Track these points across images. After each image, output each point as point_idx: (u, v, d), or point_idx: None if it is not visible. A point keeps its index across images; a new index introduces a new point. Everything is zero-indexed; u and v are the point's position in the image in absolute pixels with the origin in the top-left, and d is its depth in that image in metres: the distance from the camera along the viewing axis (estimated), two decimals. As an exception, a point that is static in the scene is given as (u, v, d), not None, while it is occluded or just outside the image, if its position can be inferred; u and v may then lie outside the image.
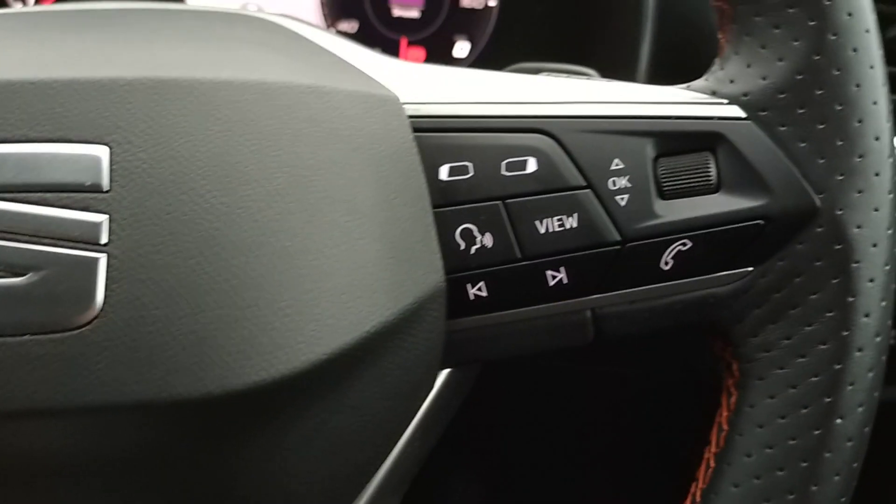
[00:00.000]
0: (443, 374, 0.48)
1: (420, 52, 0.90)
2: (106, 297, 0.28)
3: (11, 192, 0.28)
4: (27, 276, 0.28)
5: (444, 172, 0.34)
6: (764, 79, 0.35)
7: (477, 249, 0.34)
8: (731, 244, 0.35)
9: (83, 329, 0.28)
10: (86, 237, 0.28)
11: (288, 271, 0.30)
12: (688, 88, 0.37)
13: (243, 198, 0.30)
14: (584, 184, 0.34)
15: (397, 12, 0.89)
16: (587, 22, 0.80)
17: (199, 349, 0.28)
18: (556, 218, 0.34)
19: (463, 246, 0.34)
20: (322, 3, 0.88)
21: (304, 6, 0.88)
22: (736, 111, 0.35)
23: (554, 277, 0.35)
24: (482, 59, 0.90)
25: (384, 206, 0.32)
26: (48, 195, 0.28)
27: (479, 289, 0.34)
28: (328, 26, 0.89)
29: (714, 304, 0.36)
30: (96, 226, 0.28)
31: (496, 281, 0.35)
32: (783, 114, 0.35)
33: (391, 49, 0.89)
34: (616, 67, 0.74)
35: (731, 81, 0.36)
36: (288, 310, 0.29)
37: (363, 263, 0.31)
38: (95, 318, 0.28)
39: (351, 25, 0.89)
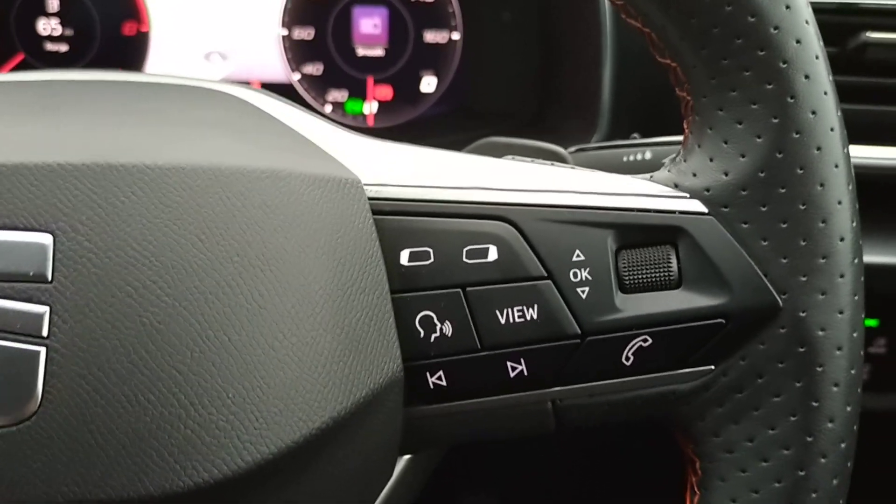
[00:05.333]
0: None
1: (387, 89, 0.89)
2: (44, 391, 0.27)
3: None
4: None
5: (404, 257, 0.33)
6: (726, 174, 0.34)
7: (436, 338, 0.33)
8: (692, 341, 0.34)
9: (21, 424, 0.27)
10: (27, 329, 0.28)
11: (234, 366, 0.29)
12: (651, 179, 0.36)
13: (190, 289, 0.29)
14: (545, 274, 0.33)
15: (362, 52, 0.88)
16: (550, 58, 0.80)
17: (139, 448, 0.28)
18: (516, 308, 0.33)
19: (422, 334, 0.33)
20: (285, 48, 0.88)
21: (267, 51, 0.88)
22: (698, 206, 0.35)
23: (514, 369, 0.34)
24: (450, 93, 0.89)
25: (339, 294, 0.31)
26: None
27: (439, 378, 0.34)
28: (293, 70, 0.88)
29: (675, 400, 0.35)
30: (38, 317, 0.28)
31: (456, 370, 0.34)
32: (745, 211, 0.34)
33: (358, 88, 0.89)
34: (579, 100, 0.74)
35: (694, 175, 0.35)
36: (233, 406, 0.28)
37: (315, 355, 0.30)
38: (34, 413, 0.27)
39: (316, 68, 0.89)
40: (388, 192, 0.34)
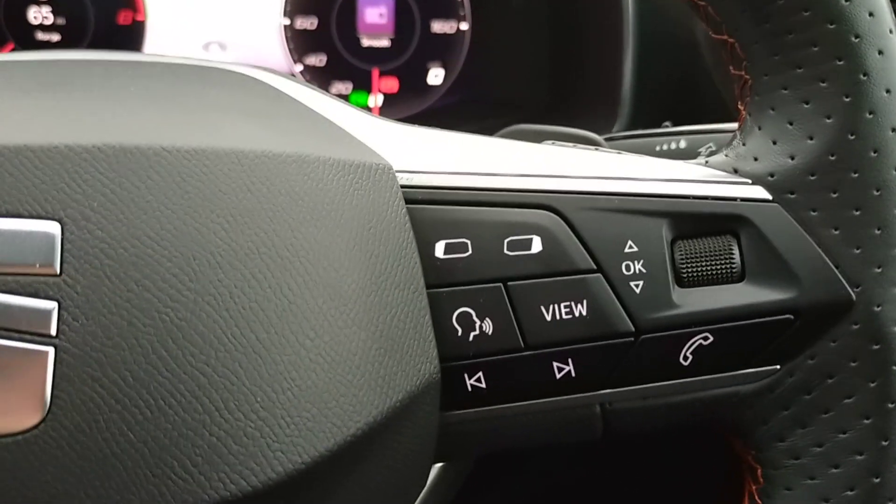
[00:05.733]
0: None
1: (393, 81, 0.86)
2: (53, 397, 0.25)
3: None
4: None
5: (440, 249, 0.31)
6: (792, 158, 0.32)
7: (476, 336, 0.31)
8: (757, 339, 0.32)
9: (28, 433, 0.25)
10: (33, 327, 0.25)
11: (262, 368, 0.26)
12: (706, 164, 0.33)
13: (213, 283, 0.26)
14: (594, 267, 0.31)
15: (367, 42, 0.85)
16: (563, 45, 0.77)
17: (159, 460, 0.25)
18: (563, 304, 0.31)
19: (460, 332, 0.31)
20: (287, 38, 0.85)
21: (268, 41, 0.85)
22: (761, 192, 0.32)
23: (560, 369, 0.31)
24: (458, 85, 0.87)
25: (372, 289, 0.28)
26: None
27: (478, 379, 0.31)
28: (295, 61, 0.85)
29: (736, 403, 0.33)
30: (45, 314, 0.25)
31: (496, 371, 0.31)
32: (813, 197, 0.31)
33: (363, 80, 0.86)
34: (598, 88, 0.71)
35: (755, 159, 0.32)
36: (262, 412, 0.26)
37: (348, 356, 0.27)
38: (42, 421, 0.25)
39: (319, 59, 0.85)
40: (421, 180, 0.31)
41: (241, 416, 0.26)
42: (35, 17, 0.83)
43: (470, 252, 0.31)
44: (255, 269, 0.27)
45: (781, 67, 0.32)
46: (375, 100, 0.86)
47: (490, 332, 0.31)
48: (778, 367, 0.32)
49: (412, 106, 0.86)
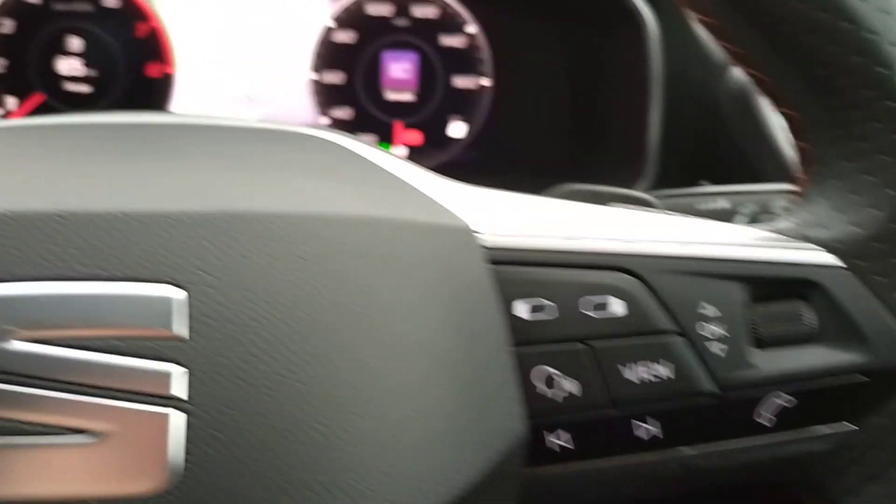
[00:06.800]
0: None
1: (416, 134, 0.88)
2: (186, 460, 0.25)
3: (80, 338, 0.25)
4: (97, 436, 0.25)
5: (520, 308, 0.31)
6: (858, 227, 0.33)
7: (558, 395, 0.31)
8: (831, 399, 0.33)
9: (160, 497, 0.25)
10: (163, 391, 0.25)
11: (371, 431, 0.27)
12: (775, 230, 0.35)
13: (323, 346, 0.27)
14: (675, 329, 0.32)
15: (391, 96, 0.87)
16: (584, 102, 0.79)
17: None
18: (646, 364, 0.32)
19: (543, 390, 0.31)
20: (314, 91, 0.87)
21: (295, 95, 0.87)
22: (830, 258, 0.33)
23: (644, 428, 0.32)
24: (479, 139, 0.89)
25: (461, 348, 0.29)
26: (119, 343, 0.25)
27: (560, 438, 0.32)
28: (321, 114, 0.87)
29: (811, 460, 0.34)
30: (174, 379, 0.26)
31: (580, 430, 0.32)
32: (881, 263, 0.33)
33: (387, 133, 0.88)
34: (622, 146, 0.73)
35: (823, 226, 0.34)
36: (381, 476, 0.27)
37: (443, 418, 0.28)
38: (174, 485, 0.25)
39: (344, 112, 0.87)
40: (499, 241, 0.32)
41: (350, 476, 0.26)
42: (65, 69, 0.85)
43: (550, 311, 0.32)
44: (359, 333, 0.28)
45: (844, 141, 0.34)
46: (399, 152, 0.88)
47: (573, 392, 0.31)
48: (852, 425, 0.34)
49: (434, 158, 0.88)
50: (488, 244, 0.32)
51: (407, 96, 0.87)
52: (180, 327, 0.26)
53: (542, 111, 0.85)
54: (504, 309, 0.31)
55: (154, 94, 0.85)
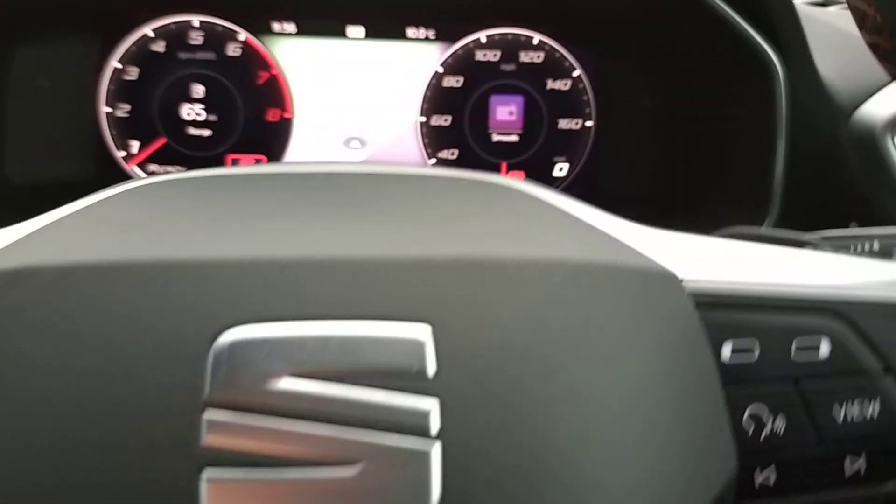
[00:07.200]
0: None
1: (520, 174, 0.91)
2: (443, 492, 0.27)
3: (339, 374, 0.27)
4: (358, 467, 0.27)
5: (727, 351, 0.33)
6: None
7: (766, 434, 0.33)
8: None
9: None
10: (418, 425, 0.27)
11: (610, 467, 0.28)
12: None
13: (558, 384, 0.29)
14: (884, 369, 0.34)
15: (497, 138, 0.90)
16: (703, 142, 0.81)
17: None
18: (855, 403, 0.33)
19: (751, 430, 0.33)
20: (422, 134, 0.90)
21: (405, 137, 0.90)
22: None
23: (851, 465, 0.33)
24: (580, 178, 0.91)
25: (680, 391, 0.31)
26: (376, 378, 0.27)
27: (767, 476, 0.33)
28: (429, 156, 0.90)
29: None
30: (428, 414, 0.27)
31: (787, 468, 0.33)
32: None
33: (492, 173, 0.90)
34: (743, 193, 0.75)
35: None
36: None
37: (668, 453, 0.29)
38: None
39: (451, 153, 0.90)
40: (703, 286, 0.34)
41: None
42: (188, 114, 0.89)
43: (759, 352, 0.33)
44: (589, 371, 0.29)
45: None
46: (502, 191, 0.90)
47: (782, 431, 0.33)
48: None
49: (537, 197, 0.90)
50: (692, 290, 0.33)
51: (512, 137, 0.90)
52: (434, 364, 0.28)
53: (642, 153, 0.88)
54: (714, 352, 0.33)
55: (272, 137, 0.89)
